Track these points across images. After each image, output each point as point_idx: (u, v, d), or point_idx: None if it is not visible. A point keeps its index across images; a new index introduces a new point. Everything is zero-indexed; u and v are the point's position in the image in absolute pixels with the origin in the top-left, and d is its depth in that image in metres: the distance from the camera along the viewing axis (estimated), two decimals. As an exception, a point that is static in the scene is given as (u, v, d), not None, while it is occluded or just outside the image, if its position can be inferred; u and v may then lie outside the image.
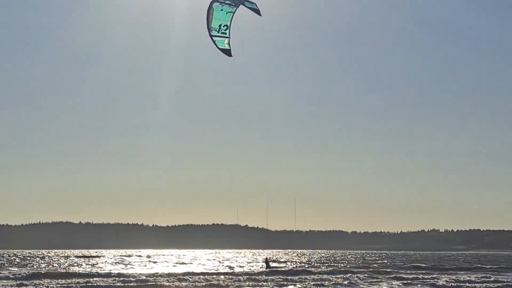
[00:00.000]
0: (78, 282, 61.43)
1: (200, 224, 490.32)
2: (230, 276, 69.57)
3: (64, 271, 76.44)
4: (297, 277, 71.11)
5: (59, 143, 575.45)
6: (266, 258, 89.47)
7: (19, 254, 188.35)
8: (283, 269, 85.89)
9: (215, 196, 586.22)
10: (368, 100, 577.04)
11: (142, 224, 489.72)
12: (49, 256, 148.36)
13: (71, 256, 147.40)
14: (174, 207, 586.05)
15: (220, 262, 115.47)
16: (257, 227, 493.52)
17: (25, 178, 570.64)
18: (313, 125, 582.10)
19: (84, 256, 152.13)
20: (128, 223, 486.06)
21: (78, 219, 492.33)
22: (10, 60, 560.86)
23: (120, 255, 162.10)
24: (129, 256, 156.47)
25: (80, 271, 75.75)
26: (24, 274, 68.48)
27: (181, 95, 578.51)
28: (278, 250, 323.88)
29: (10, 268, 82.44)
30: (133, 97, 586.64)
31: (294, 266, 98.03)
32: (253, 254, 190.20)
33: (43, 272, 72.64)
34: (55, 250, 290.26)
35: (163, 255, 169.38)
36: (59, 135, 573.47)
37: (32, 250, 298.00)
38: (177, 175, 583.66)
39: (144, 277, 67.04)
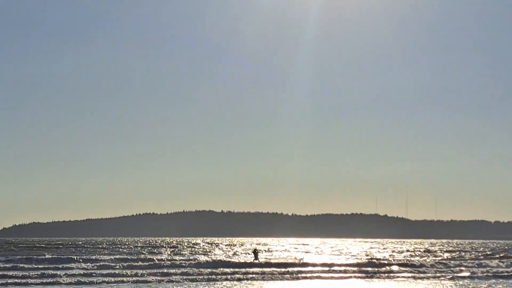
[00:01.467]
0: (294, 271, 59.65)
1: (339, 214, 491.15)
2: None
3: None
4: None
5: (197, 136, 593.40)
6: (255, 249, 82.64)
7: (171, 241, 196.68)
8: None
9: (354, 185, 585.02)
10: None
11: (282, 213, 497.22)
12: (215, 244, 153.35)
13: (236, 244, 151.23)
14: (313, 197, 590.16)
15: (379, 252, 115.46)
16: (397, 216, 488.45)
17: (172, 170, 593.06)
18: (452, 114, 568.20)
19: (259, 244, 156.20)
20: (268, 212, 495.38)
21: (220, 208, 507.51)
22: (137, 55, 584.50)
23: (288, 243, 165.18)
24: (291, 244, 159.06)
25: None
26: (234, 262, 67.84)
27: (315, 87, 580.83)
28: (418, 240, 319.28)
29: (198, 257, 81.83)
30: (269, 90, 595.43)
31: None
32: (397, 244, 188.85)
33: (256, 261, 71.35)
34: (202, 238, 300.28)
35: (303, 244, 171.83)
36: (194, 129, 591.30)
37: (179, 238, 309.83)
38: (315, 165, 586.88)
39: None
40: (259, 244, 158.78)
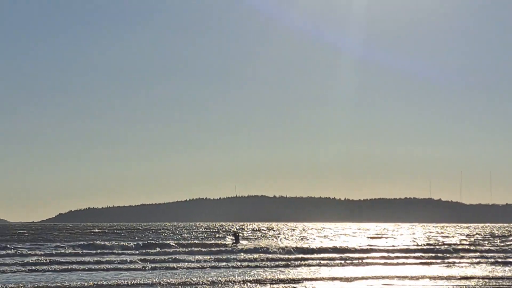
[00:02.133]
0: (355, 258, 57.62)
1: (392, 198, 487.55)
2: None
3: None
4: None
5: (249, 120, 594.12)
6: (235, 232, 79.88)
7: (223, 226, 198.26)
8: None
9: (407, 170, 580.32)
10: None
11: (334, 197, 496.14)
12: (274, 229, 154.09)
13: (296, 229, 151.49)
14: (366, 181, 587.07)
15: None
16: (451, 201, 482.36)
17: (224, 155, 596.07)
18: (508, 96, 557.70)
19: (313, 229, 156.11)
20: (320, 196, 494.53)
21: (273, 193, 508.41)
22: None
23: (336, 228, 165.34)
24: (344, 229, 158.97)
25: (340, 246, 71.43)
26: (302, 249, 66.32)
27: (361, 66, 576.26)
28: (474, 224, 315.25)
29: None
30: (314, 71, 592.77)
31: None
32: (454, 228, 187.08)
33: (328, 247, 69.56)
34: (257, 223, 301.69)
35: (363, 228, 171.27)
36: (246, 112, 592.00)
37: (233, 223, 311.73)
38: (368, 149, 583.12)
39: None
40: (313, 228, 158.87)
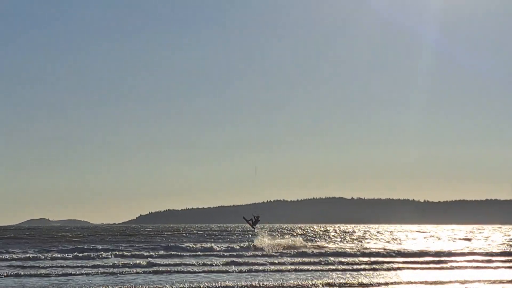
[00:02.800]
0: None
1: (473, 200, 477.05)
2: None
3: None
4: None
5: (327, 120, 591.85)
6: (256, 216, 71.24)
7: (303, 227, 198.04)
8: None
9: (488, 170, 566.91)
10: None
11: (413, 199, 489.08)
12: (349, 232, 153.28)
13: (382, 232, 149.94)
14: (445, 183, 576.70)
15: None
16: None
17: (302, 156, 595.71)
18: None
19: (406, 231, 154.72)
20: (399, 198, 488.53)
21: (350, 195, 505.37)
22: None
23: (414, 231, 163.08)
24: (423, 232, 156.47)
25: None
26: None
27: (439, 70, 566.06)
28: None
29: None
30: (395, 73, 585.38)
31: None
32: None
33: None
34: (334, 225, 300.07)
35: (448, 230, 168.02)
36: (321, 112, 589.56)
37: (312, 225, 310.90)
38: (446, 150, 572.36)
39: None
40: (394, 231, 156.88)
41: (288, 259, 55.19)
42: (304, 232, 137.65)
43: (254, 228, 69.43)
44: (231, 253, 61.54)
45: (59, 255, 56.78)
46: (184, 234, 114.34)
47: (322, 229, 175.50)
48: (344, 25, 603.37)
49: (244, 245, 72.07)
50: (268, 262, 51.73)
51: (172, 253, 60.97)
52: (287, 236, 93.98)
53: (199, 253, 62.20)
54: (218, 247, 69.36)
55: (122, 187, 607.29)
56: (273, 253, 62.24)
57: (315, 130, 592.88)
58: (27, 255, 56.70)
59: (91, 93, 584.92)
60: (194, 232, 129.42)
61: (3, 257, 53.12)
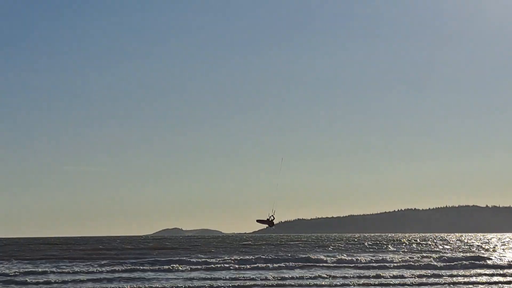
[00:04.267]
0: None
1: None
2: None
3: None
4: None
5: (462, 128, 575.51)
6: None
7: (439, 237, 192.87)
8: None
9: None
10: None
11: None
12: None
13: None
14: None
15: None
16: None
17: (433, 164, 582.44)
18: None
19: None
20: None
21: (484, 203, 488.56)
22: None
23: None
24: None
25: None
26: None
27: None
28: None
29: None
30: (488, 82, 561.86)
31: None
32: None
33: None
34: (472, 234, 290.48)
35: None
36: (460, 120, 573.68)
37: (449, 234, 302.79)
38: None
39: None
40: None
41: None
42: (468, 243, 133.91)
43: (272, 227, 67.51)
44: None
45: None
46: (331, 245, 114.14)
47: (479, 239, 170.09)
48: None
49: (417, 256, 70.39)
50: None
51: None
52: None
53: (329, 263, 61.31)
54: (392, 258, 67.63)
55: (253, 197, 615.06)
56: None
57: (447, 137, 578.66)
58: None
59: (225, 103, 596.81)
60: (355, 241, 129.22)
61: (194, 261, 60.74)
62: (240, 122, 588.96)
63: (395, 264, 60.48)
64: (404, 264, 60.90)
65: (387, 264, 60.46)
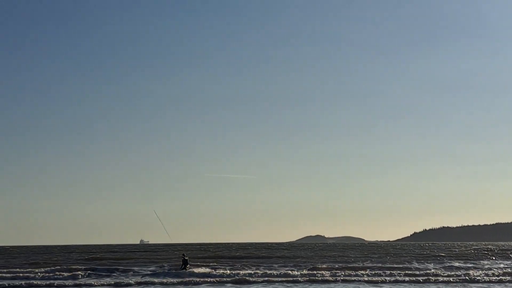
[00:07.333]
0: None
1: None
2: None
3: None
4: None
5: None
6: (183, 256, 68.94)
7: None
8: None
9: None
10: None
11: None
12: None
13: None
14: None
15: None
16: None
17: None
18: None
19: None
20: None
21: None
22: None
23: None
24: None
25: None
26: None
27: None
28: None
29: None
30: None
31: None
32: None
33: None
34: None
35: None
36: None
37: None
38: None
39: None
40: None
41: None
42: None
43: (185, 268, 66.42)
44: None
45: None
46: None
47: None
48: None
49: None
50: None
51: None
52: None
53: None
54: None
55: (396, 204, 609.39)
56: None
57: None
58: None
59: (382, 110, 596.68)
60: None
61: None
62: (391, 127, 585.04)
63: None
64: None
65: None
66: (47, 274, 62.81)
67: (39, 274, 63.06)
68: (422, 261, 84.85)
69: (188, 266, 66.73)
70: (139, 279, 57.76)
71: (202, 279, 56.39)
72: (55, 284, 53.60)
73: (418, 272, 61.46)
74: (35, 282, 55.39)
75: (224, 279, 56.67)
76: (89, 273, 64.05)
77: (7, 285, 53.00)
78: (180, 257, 75.53)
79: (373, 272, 61.09)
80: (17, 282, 54.72)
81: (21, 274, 63.16)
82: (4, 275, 62.64)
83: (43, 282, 55.05)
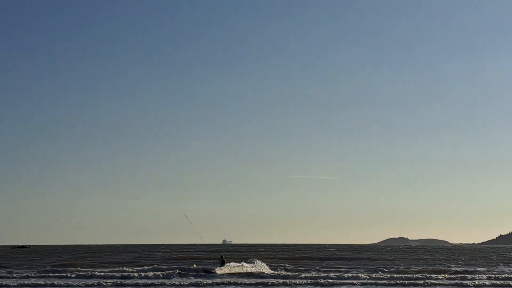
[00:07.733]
0: None
1: None
2: None
3: None
4: None
5: None
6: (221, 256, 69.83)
7: None
8: None
9: None
10: None
11: None
12: None
13: None
14: None
15: None
16: None
17: None
18: None
19: None
20: None
21: None
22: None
23: None
24: None
25: None
26: None
27: None
28: None
29: None
30: None
31: None
32: None
33: None
34: None
35: None
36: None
37: None
38: None
39: None
40: None
41: None
42: None
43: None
44: None
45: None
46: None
47: None
48: None
49: None
50: None
51: None
52: None
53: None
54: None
55: (481, 206, 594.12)
56: None
57: None
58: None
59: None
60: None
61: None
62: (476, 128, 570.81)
63: None
64: None
65: None
66: (143, 273, 63.87)
67: (141, 273, 64.08)
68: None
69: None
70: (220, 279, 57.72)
71: (282, 281, 56.18)
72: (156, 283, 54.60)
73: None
74: (140, 282, 56.16)
75: (303, 281, 56.28)
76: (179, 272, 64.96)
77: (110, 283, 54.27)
78: (217, 259, 75.37)
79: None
80: (126, 281, 56.07)
81: (116, 274, 64.44)
82: (96, 273, 64.57)
83: (147, 281, 56.00)
